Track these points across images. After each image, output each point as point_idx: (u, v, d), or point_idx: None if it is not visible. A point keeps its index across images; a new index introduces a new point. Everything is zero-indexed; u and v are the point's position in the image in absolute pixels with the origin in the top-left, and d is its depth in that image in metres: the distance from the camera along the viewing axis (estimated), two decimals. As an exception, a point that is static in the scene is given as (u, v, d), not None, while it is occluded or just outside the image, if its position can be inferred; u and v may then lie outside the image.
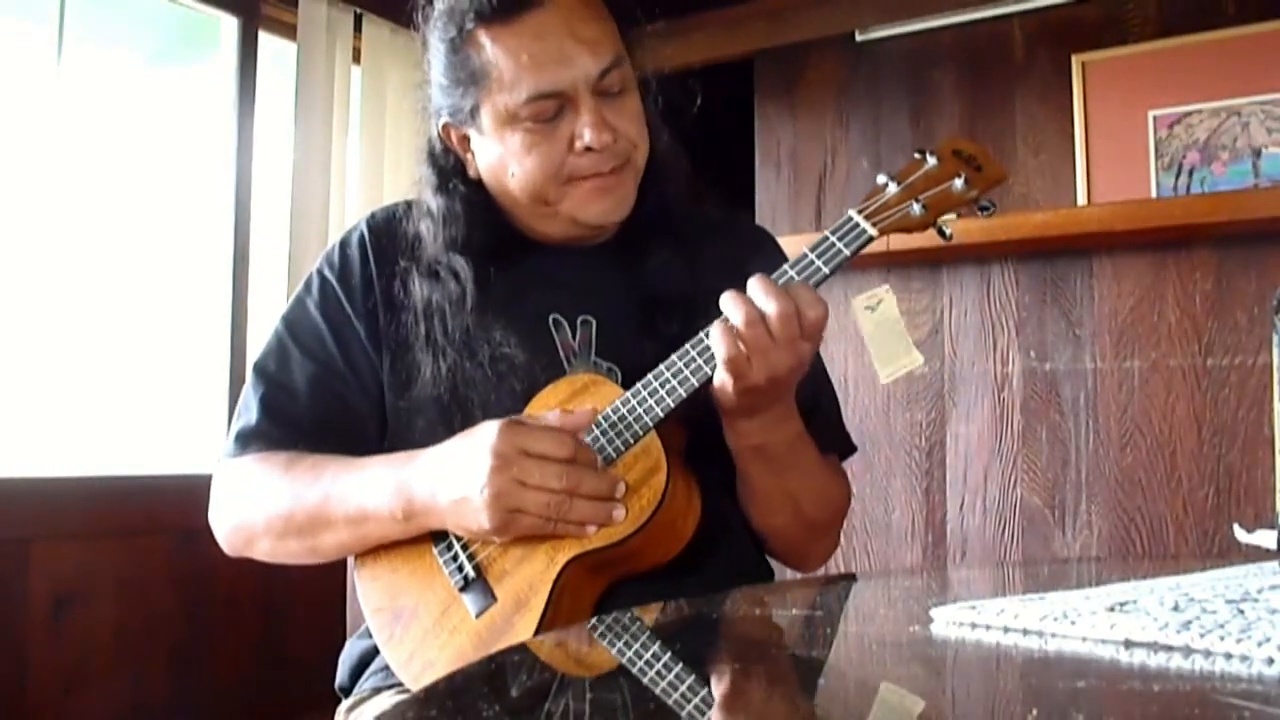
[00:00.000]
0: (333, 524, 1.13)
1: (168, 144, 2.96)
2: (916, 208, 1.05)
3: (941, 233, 1.07)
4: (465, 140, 1.22)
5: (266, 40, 3.09)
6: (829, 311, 1.04)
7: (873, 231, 1.05)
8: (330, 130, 3.07)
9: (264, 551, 1.20)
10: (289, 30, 3.09)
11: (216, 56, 3.04)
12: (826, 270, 1.05)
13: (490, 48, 1.13)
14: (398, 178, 3.24)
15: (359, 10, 3.18)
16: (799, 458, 1.17)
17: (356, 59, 3.21)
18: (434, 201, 1.22)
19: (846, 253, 1.05)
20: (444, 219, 1.21)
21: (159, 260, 2.91)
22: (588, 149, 1.13)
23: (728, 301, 1.03)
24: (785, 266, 1.06)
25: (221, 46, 3.03)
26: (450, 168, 1.24)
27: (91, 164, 2.74)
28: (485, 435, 1.04)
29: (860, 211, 1.06)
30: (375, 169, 3.20)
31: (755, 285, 1.03)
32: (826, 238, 1.06)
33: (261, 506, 1.17)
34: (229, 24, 3.01)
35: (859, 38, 3.57)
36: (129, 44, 3.01)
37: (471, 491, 1.03)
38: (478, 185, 1.23)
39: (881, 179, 1.07)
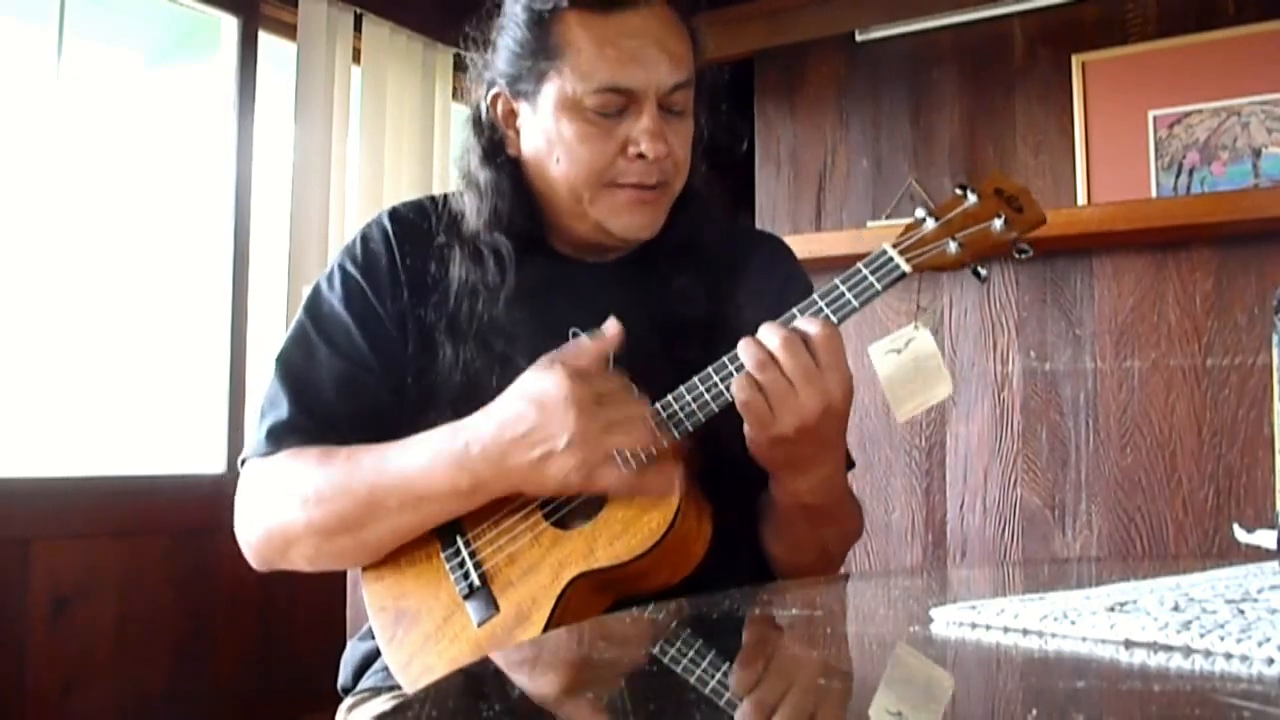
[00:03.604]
0: (384, 511, 1.08)
1: (168, 144, 2.96)
2: (953, 246, 1.03)
3: (977, 274, 1.05)
4: (512, 115, 1.19)
5: (266, 40, 3.09)
6: (839, 335, 1.02)
7: (906, 267, 1.03)
8: (330, 130, 3.07)
9: (304, 555, 1.14)
10: (289, 30, 3.09)
11: (216, 56, 3.04)
12: (856, 304, 1.03)
13: (576, 31, 1.12)
14: (398, 178, 3.25)
15: (359, 10, 3.18)
16: (839, 510, 1.17)
17: (356, 59, 3.21)
18: (481, 173, 1.20)
19: (878, 287, 1.03)
20: (490, 192, 1.19)
21: (159, 260, 2.91)
22: (639, 155, 1.12)
23: (742, 347, 1.01)
24: (815, 296, 1.04)
25: (221, 46, 3.03)
26: (495, 140, 1.21)
27: (91, 164, 2.74)
28: (556, 387, 1.01)
29: (895, 245, 1.04)
30: (375, 169, 3.20)
31: (764, 327, 1.02)
32: (858, 269, 1.04)
33: (301, 504, 1.11)
34: (229, 24, 3.01)
35: (859, 38, 3.58)
36: (129, 44, 3.02)
37: (556, 445, 1.00)
38: (515, 164, 1.21)
39: (920, 213, 1.05)
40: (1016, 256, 1.05)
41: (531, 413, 1.02)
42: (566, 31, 1.12)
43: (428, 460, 1.07)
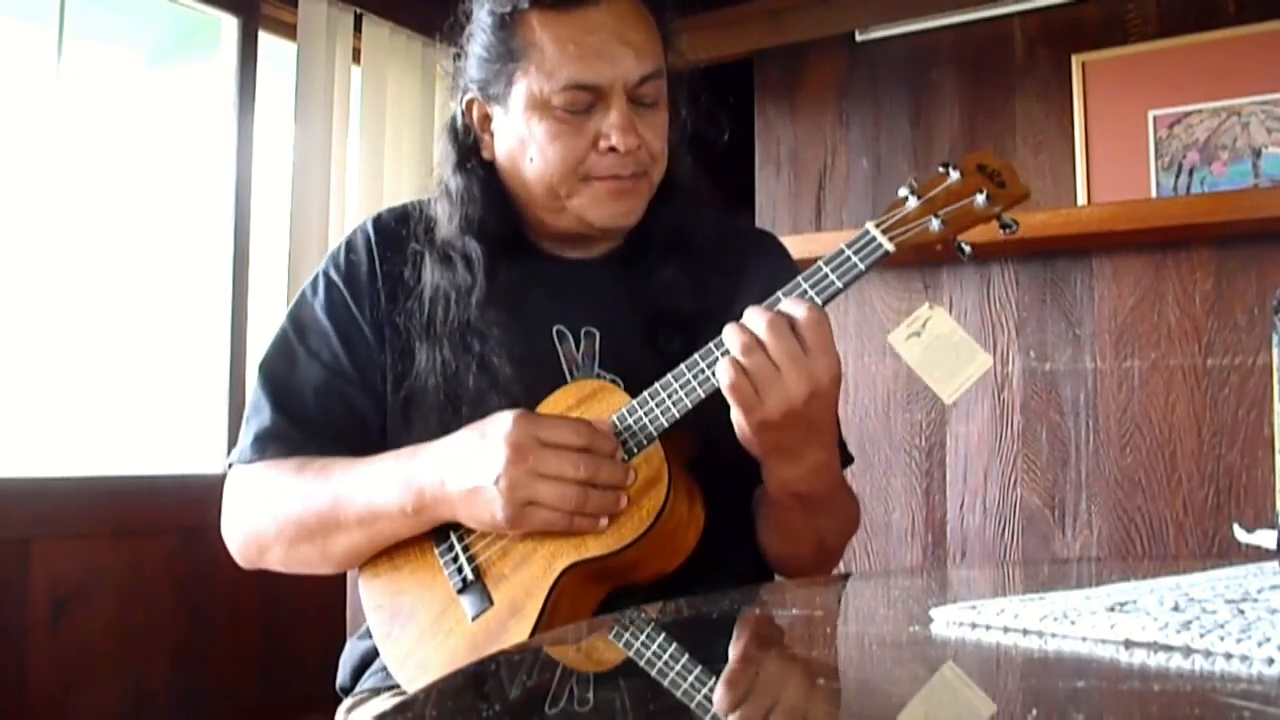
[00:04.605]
0: (343, 525, 1.12)
1: (168, 144, 2.96)
2: (936, 223, 1.03)
3: (960, 250, 1.05)
4: (487, 119, 1.21)
5: (266, 40, 3.09)
6: (826, 318, 1.02)
7: (889, 246, 1.03)
8: (330, 130, 3.07)
9: (277, 560, 1.18)
10: (289, 30, 3.09)
11: (216, 56, 3.03)
12: (840, 284, 1.03)
13: (539, 31, 1.13)
14: (398, 178, 3.24)
15: (359, 10, 3.18)
16: (834, 501, 1.17)
17: (356, 59, 3.21)
18: (453, 180, 1.22)
19: (861, 267, 1.03)
20: (461, 199, 1.20)
21: (159, 260, 2.91)
22: (611, 149, 1.13)
23: (727, 332, 1.01)
24: (799, 279, 1.04)
25: (221, 46, 3.03)
26: (469, 146, 1.23)
27: (91, 164, 2.74)
28: (499, 425, 1.03)
29: (878, 225, 1.04)
30: (375, 169, 3.20)
31: (749, 310, 1.02)
32: (842, 250, 1.04)
33: (272, 513, 1.16)
34: (229, 24, 3.01)
35: (859, 38, 3.57)
36: (129, 44, 3.01)
37: (485, 482, 1.02)
38: (490, 168, 1.22)
39: (903, 192, 1.05)
40: (1002, 231, 1.05)
41: (472, 445, 1.05)
42: (529, 32, 1.13)
43: (383, 480, 1.10)
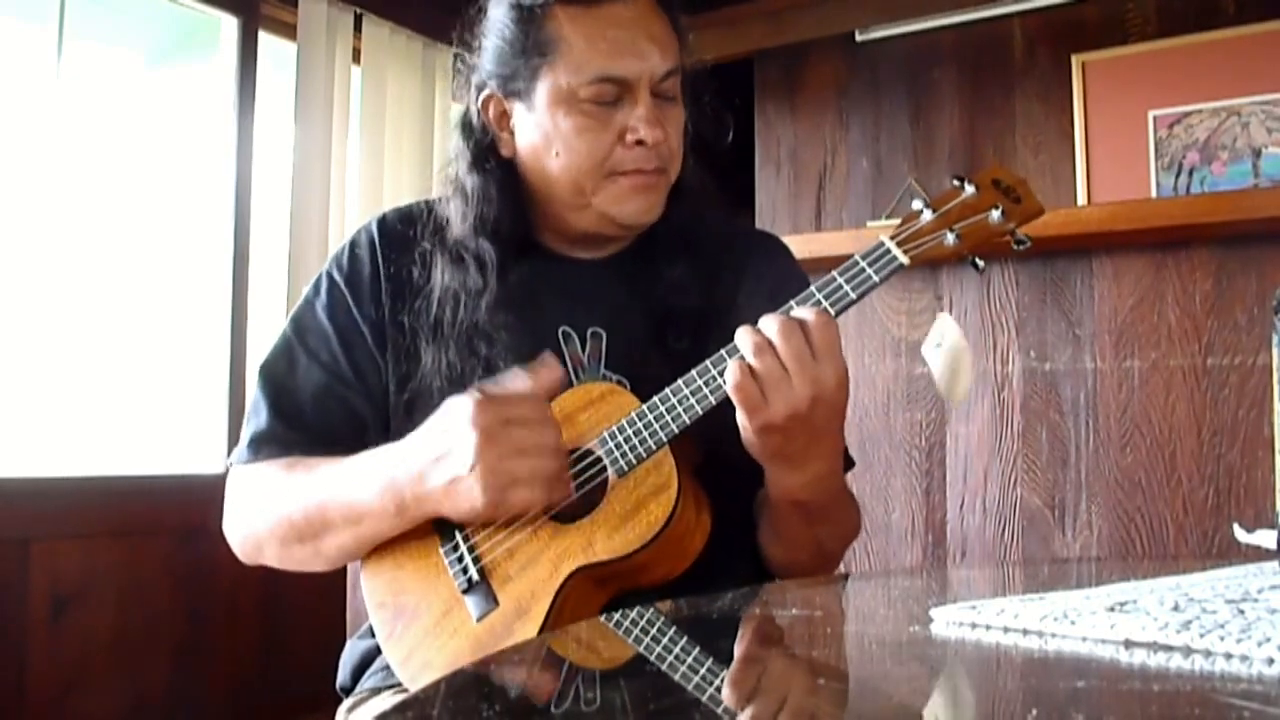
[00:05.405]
0: (332, 525, 1.12)
1: (168, 144, 2.96)
2: (950, 237, 1.03)
3: (975, 265, 1.05)
4: (505, 116, 1.21)
5: (266, 40, 3.09)
6: (835, 325, 1.02)
7: (904, 259, 1.03)
8: (330, 130, 3.07)
9: (273, 558, 1.20)
10: (289, 30, 3.09)
11: (216, 56, 3.04)
12: (854, 295, 1.03)
13: (566, 25, 1.14)
14: (398, 178, 3.25)
15: (359, 10, 3.18)
16: (834, 510, 1.17)
17: (356, 59, 3.21)
18: (469, 179, 1.21)
19: (876, 279, 1.03)
20: (477, 198, 1.20)
21: (159, 260, 2.91)
22: (638, 142, 1.14)
23: (740, 334, 1.02)
24: (812, 289, 1.04)
25: (221, 46, 3.03)
26: (486, 144, 1.22)
27: (91, 164, 2.74)
28: (463, 412, 1.03)
29: (893, 238, 1.04)
30: (375, 169, 3.20)
31: (764, 317, 1.02)
32: (856, 262, 1.04)
33: (265, 514, 1.17)
34: (229, 24, 3.01)
35: (859, 38, 3.57)
36: (129, 44, 3.02)
37: (461, 470, 1.02)
38: (508, 166, 1.22)
39: (917, 204, 1.05)
40: (1015, 248, 1.05)
41: (440, 437, 1.05)
42: (557, 27, 1.14)
43: (365, 480, 1.10)
